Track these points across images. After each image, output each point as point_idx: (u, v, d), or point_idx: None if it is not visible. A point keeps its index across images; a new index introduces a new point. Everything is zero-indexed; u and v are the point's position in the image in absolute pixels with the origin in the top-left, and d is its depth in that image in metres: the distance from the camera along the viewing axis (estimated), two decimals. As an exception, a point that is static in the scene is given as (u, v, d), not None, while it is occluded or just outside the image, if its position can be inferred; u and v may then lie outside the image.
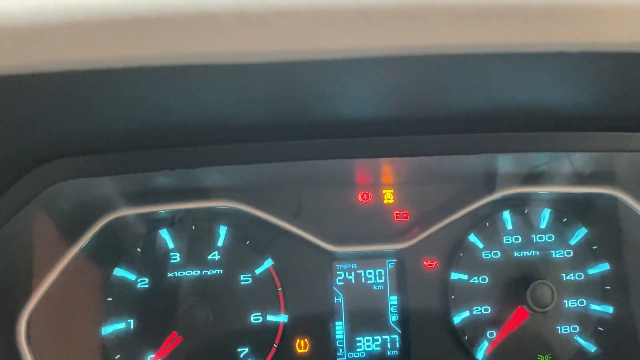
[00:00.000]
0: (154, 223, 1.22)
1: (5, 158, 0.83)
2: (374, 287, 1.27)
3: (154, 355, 1.18)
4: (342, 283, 1.26)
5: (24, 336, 1.00)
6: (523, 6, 0.50)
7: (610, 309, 1.27)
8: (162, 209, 1.16)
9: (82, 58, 0.51)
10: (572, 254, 1.29)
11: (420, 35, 0.52)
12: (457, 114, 0.88)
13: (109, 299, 1.20)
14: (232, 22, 0.46)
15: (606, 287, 1.28)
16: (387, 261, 1.27)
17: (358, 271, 1.27)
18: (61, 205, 1.03)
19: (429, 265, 1.27)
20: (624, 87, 0.78)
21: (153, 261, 1.22)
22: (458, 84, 0.74)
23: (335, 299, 1.25)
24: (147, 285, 1.21)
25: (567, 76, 0.72)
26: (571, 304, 1.27)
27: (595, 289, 1.28)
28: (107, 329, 1.19)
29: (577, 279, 1.28)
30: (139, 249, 1.22)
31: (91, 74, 0.55)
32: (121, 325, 1.19)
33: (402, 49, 0.53)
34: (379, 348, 1.25)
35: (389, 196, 1.28)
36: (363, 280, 1.26)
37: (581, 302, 1.28)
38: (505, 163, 1.16)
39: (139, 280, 1.21)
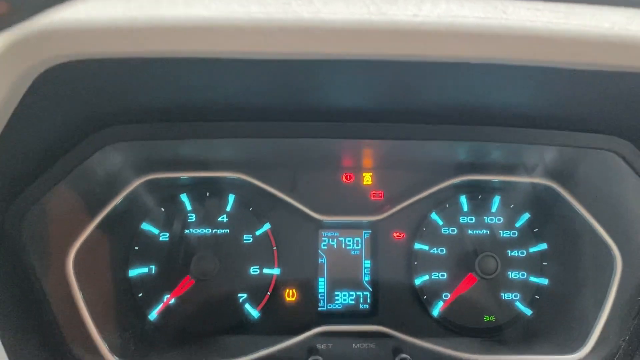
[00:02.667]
0: (176, 188, 1.49)
1: (73, 124, 1.09)
2: (352, 252, 1.53)
3: (169, 295, 1.44)
4: (326, 247, 1.52)
5: (72, 268, 1.24)
6: (482, 31, 0.76)
7: (546, 281, 1.52)
8: (184, 175, 1.43)
9: (146, 50, 0.79)
10: (516, 234, 1.55)
11: (397, 47, 0.78)
12: (424, 108, 1.11)
13: (136, 248, 1.47)
14: (249, 32, 0.74)
15: (544, 263, 1.53)
16: (363, 231, 1.53)
17: (339, 238, 1.53)
18: (107, 166, 1.29)
19: (397, 236, 1.53)
20: (566, 95, 1.01)
21: (173, 219, 1.49)
22: (426, 84, 0.97)
23: (320, 260, 1.52)
24: (167, 239, 1.48)
25: (518, 83, 0.95)
26: (514, 275, 1.53)
27: (534, 264, 1.53)
28: (133, 272, 1.46)
29: (519, 255, 1.54)
30: (162, 209, 1.49)
31: (142, 63, 0.82)
32: (144, 270, 1.46)
33: (380, 56, 0.79)
34: (353, 302, 1.51)
35: (367, 178, 1.54)
36: (343, 246, 1.53)
37: (522, 274, 1.53)
38: (463, 153, 1.40)
39: (161, 234, 1.48)
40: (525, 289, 1.53)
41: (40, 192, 1.10)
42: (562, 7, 0.79)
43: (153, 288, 1.46)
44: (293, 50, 0.76)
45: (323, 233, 1.53)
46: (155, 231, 1.48)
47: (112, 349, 1.28)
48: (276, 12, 0.73)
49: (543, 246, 1.54)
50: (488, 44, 0.77)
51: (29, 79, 0.81)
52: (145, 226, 1.48)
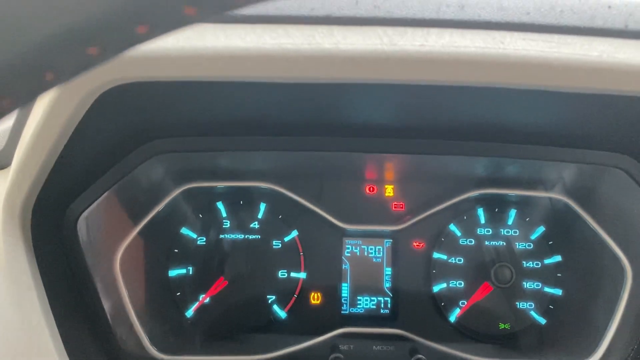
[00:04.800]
0: (212, 197, 1.62)
1: (124, 137, 1.22)
2: (374, 260, 1.63)
3: (204, 294, 1.57)
4: (349, 254, 1.63)
5: (118, 267, 1.38)
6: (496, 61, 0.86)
7: (560, 292, 1.58)
8: (220, 185, 1.57)
9: (192, 74, 0.92)
10: (532, 247, 1.61)
11: (406, 73, 0.89)
12: (442, 125, 1.21)
13: (175, 251, 1.60)
14: (279, 60, 0.86)
15: (558, 275, 1.59)
16: (384, 240, 1.63)
17: (362, 246, 1.63)
18: (151, 176, 1.43)
19: (417, 245, 1.62)
20: (573, 115, 1.11)
21: (210, 225, 1.62)
22: (441, 104, 1.08)
23: (344, 266, 1.62)
24: (204, 243, 1.61)
25: (526, 104, 1.05)
26: (529, 285, 1.59)
27: (549, 275, 1.59)
28: (173, 272, 1.59)
29: (535, 266, 1.60)
30: (200, 215, 1.63)
31: (186, 85, 0.95)
32: (183, 271, 1.59)
33: (391, 81, 0.90)
34: (374, 307, 1.61)
35: (389, 190, 1.64)
36: (365, 254, 1.63)
37: (537, 285, 1.59)
38: (480, 168, 1.49)
39: (198, 239, 1.61)
40: (540, 298, 1.60)
41: (92, 198, 1.22)
42: (555, 37, 0.89)
43: (190, 287, 1.58)
44: (316, 76, 0.89)
45: (347, 241, 1.63)
46: (193, 236, 1.61)
47: (153, 341, 1.41)
48: (302, 44, 0.85)
49: (557, 258, 1.60)
50: (487, 70, 0.87)
51: (92, 97, 0.95)
52: (185, 231, 1.61)
